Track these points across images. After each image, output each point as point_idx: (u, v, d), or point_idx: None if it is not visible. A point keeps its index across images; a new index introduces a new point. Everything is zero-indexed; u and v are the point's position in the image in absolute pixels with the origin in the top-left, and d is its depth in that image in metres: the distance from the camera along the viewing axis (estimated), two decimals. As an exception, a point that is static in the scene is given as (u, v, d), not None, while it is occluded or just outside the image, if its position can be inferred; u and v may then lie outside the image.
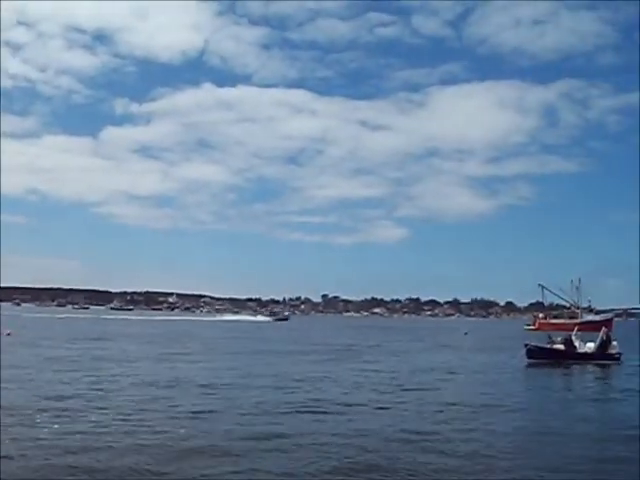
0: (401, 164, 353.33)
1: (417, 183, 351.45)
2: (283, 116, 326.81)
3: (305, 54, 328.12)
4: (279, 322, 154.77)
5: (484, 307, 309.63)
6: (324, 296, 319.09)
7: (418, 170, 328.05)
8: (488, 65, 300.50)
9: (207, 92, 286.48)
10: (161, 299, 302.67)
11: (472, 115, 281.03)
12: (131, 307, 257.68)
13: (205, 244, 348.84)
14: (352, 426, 18.52)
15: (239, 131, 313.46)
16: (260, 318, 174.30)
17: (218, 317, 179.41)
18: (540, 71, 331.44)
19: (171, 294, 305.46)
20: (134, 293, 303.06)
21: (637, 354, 48.35)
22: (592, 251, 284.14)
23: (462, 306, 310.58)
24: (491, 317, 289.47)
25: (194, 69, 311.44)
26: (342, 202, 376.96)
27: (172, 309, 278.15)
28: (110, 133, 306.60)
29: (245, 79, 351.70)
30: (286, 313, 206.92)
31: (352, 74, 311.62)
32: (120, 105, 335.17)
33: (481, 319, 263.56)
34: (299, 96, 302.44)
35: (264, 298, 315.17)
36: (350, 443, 16.18)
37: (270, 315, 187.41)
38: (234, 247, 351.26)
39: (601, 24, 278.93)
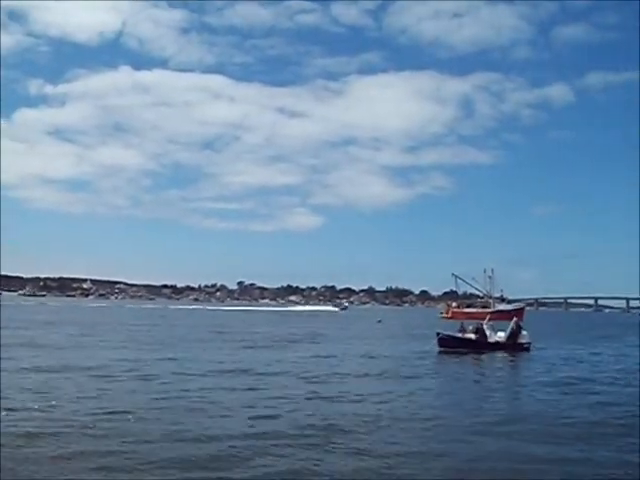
0: (318, 152, 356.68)
1: (333, 171, 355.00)
2: (200, 101, 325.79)
3: (224, 39, 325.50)
4: (342, 311, 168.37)
5: (399, 295, 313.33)
6: (240, 283, 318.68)
7: (335, 158, 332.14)
8: (407, 55, 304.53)
9: (124, 75, 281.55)
10: (75, 285, 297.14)
11: (390, 105, 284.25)
12: (44, 293, 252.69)
13: (120, 229, 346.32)
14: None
15: (155, 115, 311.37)
16: (329, 308, 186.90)
17: (289, 307, 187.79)
18: (458, 63, 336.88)
19: (85, 280, 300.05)
20: (47, 279, 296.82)
21: (546, 343, 49.10)
22: (505, 242, 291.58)
23: (377, 294, 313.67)
24: (406, 305, 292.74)
25: (111, 51, 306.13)
26: (258, 189, 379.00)
27: (86, 295, 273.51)
28: (24, 115, 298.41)
29: (162, 63, 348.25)
30: (346, 304, 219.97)
31: (271, 61, 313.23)
32: (34, 86, 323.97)
33: (396, 307, 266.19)
34: (217, 81, 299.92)
35: (180, 285, 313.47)
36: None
37: (335, 306, 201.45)
38: (149, 233, 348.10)
39: (518, 19, 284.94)
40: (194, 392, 21.60)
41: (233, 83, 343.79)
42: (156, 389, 22.42)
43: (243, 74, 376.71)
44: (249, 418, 17.52)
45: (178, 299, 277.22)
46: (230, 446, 14.27)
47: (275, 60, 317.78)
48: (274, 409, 19.07)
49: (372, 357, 37.94)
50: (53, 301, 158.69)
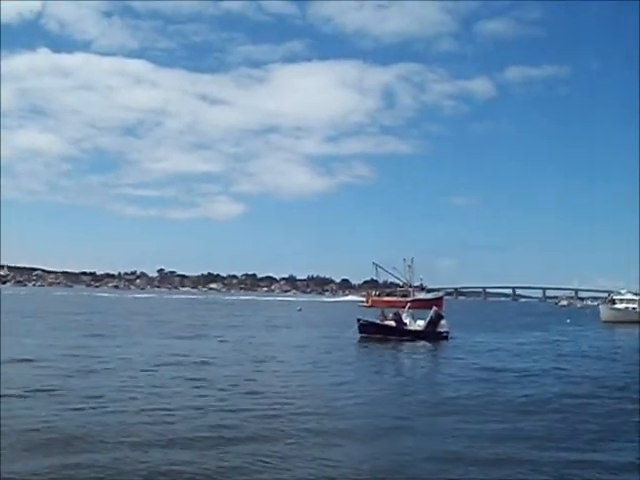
0: (240, 140, 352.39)
1: (255, 159, 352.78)
2: (122, 86, 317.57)
3: (147, 24, 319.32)
4: None
5: (320, 284, 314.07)
6: (160, 271, 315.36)
7: (257, 146, 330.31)
8: (330, 45, 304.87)
9: (43, 57, 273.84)
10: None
11: (312, 93, 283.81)
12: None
13: (38, 215, 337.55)
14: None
15: (76, 99, 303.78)
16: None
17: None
18: (381, 53, 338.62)
19: (1, 267, 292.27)
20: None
21: (463, 331, 49.86)
22: (425, 231, 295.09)
23: (298, 283, 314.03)
24: (327, 294, 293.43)
25: (30, 32, 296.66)
26: (180, 176, 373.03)
27: (3, 282, 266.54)
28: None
29: (84, 46, 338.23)
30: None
31: (194, 47, 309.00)
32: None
33: (317, 296, 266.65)
34: (139, 66, 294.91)
35: (99, 272, 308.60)
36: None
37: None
38: (68, 219, 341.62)
39: (442, 12, 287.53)
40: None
41: (156, 68, 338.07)
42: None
43: (166, 59, 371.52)
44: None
45: (97, 286, 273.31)
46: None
47: (198, 46, 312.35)
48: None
49: (293, 345, 37.94)
50: None
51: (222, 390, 20.16)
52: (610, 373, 28.18)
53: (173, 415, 16.16)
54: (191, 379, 22.07)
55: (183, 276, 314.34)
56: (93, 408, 16.69)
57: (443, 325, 43.56)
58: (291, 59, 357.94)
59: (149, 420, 15.52)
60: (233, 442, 13.68)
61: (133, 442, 13.32)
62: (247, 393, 19.75)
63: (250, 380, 22.45)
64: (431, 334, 41.84)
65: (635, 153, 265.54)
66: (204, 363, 27.07)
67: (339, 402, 18.97)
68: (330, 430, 15.19)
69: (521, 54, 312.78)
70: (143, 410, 16.60)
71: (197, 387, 20.61)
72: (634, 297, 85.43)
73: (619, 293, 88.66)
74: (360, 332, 41.16)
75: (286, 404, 18.03)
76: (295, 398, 19.27)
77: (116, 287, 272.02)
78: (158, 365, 25.62)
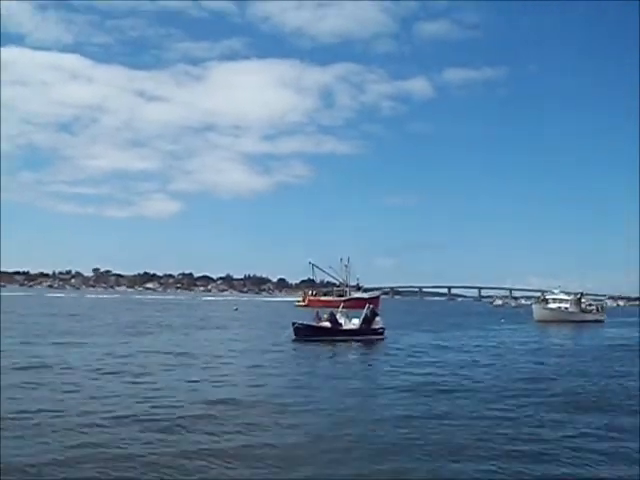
0: (177, 137, 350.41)
1: (193, 157, 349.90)
2: (57, 81, 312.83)
3: (83, 18, 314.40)
4: None
5: (257, 283, 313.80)
6: (95, 270, 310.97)
7: (194, 144, 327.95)
8: (269, 43, 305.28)
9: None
10: None
11: (250, 92, 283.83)
12: None
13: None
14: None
15: (9, 95, 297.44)
16: None
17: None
18: (319, 53, 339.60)
19: None
20: None
21: (399, 329, 50.13)
22: (363, 231, 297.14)
23: (235, 282, 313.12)
24: (264, 293, 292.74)
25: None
26: (115, 173, 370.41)
27: None
28: None
29: (18, 40, 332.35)
30: None
31: (132, 42, 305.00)
32: None
33: (254, 295, 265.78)
34: (75, 62, 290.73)
35: (33, 271, 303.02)
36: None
37: None
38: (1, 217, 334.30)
39: (381, 13, 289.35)
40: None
41: (92, 64, 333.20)
42: None
43: (102, 55, 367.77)
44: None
45: (31, 286, 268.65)
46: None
47: (136, 42, 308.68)
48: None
49: (223, 349, 37.29)
50: None
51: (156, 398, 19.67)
52: (538, 370, 28.62)
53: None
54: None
55: (119, 275, 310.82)
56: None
57: (378, 322, 43.86)
58: (230, 57, 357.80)
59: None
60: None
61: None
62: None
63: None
64: (366, 332, 41.96)
65: (571, 154, 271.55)
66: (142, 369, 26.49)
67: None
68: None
69: (459, 56, 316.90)
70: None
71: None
72: (566, 297, 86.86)
73: (552, 293, 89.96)
74: (295, 335, 40.75)
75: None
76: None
77: (50, 286, 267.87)
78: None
